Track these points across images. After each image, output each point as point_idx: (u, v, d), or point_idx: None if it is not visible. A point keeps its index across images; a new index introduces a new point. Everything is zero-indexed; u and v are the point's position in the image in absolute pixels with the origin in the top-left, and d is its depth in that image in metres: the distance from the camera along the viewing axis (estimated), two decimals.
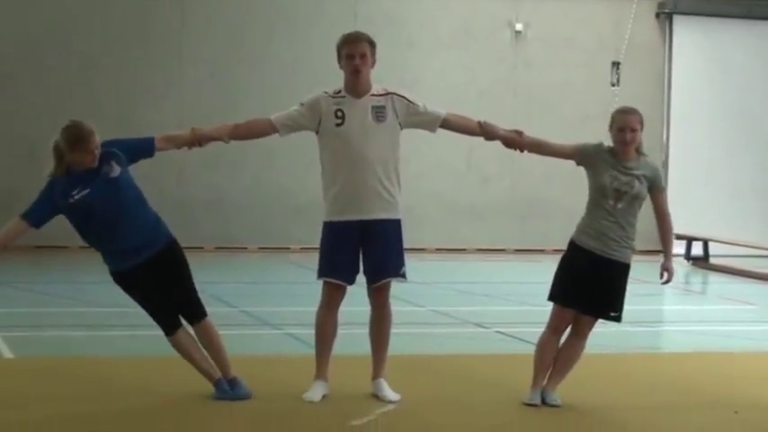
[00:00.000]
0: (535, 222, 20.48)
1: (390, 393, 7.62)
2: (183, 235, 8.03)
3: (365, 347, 7.82)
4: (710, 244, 19.17)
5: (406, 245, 7.66)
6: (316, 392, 7.56)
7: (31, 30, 18.90)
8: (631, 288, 7.77)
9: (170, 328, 7.46)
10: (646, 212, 7.63)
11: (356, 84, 7.53)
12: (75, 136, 7.10)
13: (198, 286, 7.59)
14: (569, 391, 7.68)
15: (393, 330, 7.78)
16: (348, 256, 7.54)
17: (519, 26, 20.82)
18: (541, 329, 7.70)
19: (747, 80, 21.45)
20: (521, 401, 7.59)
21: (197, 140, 7.52)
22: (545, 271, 7.75)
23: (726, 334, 11.85)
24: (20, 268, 15.50)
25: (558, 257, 7.72)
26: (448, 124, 7.71)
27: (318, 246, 7.71)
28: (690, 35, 21.37)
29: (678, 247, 19.02)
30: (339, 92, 7.58)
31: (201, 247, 18.44)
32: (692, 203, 20.71)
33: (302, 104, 7.62)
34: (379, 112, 7.52)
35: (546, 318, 7.67)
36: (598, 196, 7.47)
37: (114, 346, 10.09)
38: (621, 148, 7.48)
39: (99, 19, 19.20)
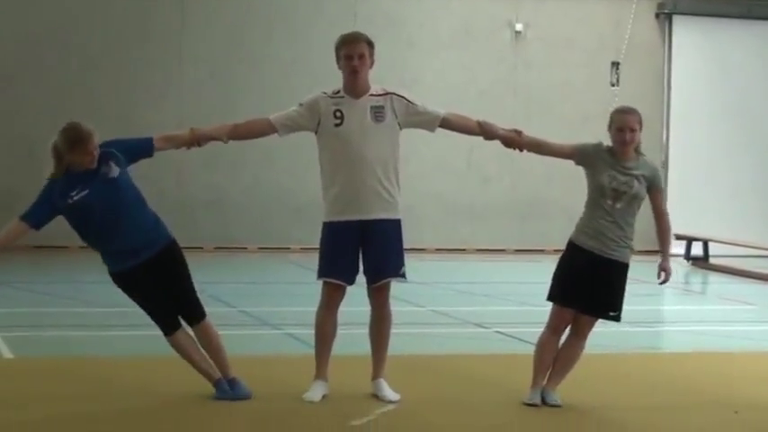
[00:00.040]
0: (535, 222, 20.48)
1: (390, 393, 7.62)
2: (182, 235, 8.03)
3: (365, 347, 7.82)
4: (710, 244, 19.17)
5: (405, 245, 7.66)
6: (315, 392, 7.56)
7: (31, 30, 18.91)
8: (631, 288, 7.77)
9: (169, 328, 7.46)
10: (645, 213, 7.63)
11: (355, 84, 7.53)
12: (74, 137, 7.10)
13: (197, 286, 7.60)
14: (569, 391, 7.68)
15: (393, 330, 7.78)
16: (348, 256, 7.54)
17: (519, 26, 20.83)
18: (541, 329, 7.70)
19: (747, 80, 21.45)
20: (521, 401, 7.59)
21: (196, 140, 7.52)
22: (545, 271, 7.75)
23: (725, 334, 11.85)
24: (20, 268, 15.51)
25: (558, 258, 7.72)
26: (447, 124, 7.71)
27: (318, 246, 7.71)
28: (689, 35, 21.38)
29: (678, 248, 19.05)
30: (338, 92, 7.58)
31: (201, 248, 18.45)
32: (691, 203, 20.72)
33: (301, 105, 7.63)
34: (377, 113, 7.53)
35: (546, 318, 7.67)
36: (597, 196, 7.47)
37: (114, 346, 10.09)
38: (620, 148, 7.48)
39: (99, 19, 19.20)
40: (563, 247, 7.69)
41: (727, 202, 21.18)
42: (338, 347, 7.78)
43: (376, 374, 7.71)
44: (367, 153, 7.46)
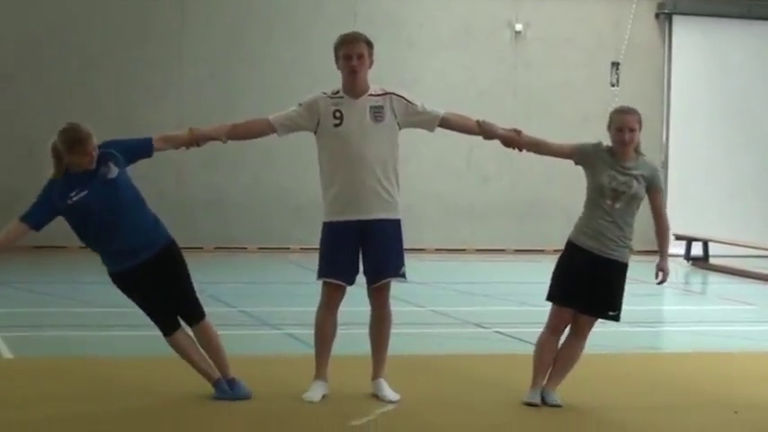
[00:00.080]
0: (535, 222, 20.48)
1: (390, 393, 7.62)
2: (182, 235, 8.03)
3: (365, 347, 7.82)
4: (710, 244, 19.17)
5: (405, 245, 7.66)
6: (315, 392, 7.56)
7: (31, 30, 18.91)
8: (631, 288, 7.77)
9: (168, 328, 7.46)
10: (645, 213, 7.63)
11: (354, 84, 7.53)
12: (73, 138, 7.10)
13: (197, 286, 7.60)
14: (569, 391, 7.68)
15: (393, 330, 7.78)
16: (348, 256, 7.54)
17: (519, 26, 20.83)
18: (541, 330, 7.70)
19: (747, 80, 21.45)
20: (521, 401, 7.59)
21: (195, 140, 7.53)
22: (544, 271, 7.75)
23: (725, 334, 11.85)
24: (20, 268, 15.50)
25: (558, 258, 7.72)
26: (446, 123, 7.71)
27: (318, 246, 7.71)
28: (689, 35, 21.38)
29: (678, 248, 19.06)
30: (337, 92, 7.58)
31: (201, 248, 18.44)
32: (691, 203, 20.73)
33: (300, 105, 7.63)
34: (377, 112, 7.53)
35: (545, 318, 7.67)
36: (596, 196, 7.47)
37: (114, 347, 10.09)
38: (620, 148, 7.48)
39: (99, 19, 19.20)
40: (563, 246, 7.69)
41: (726, 202, 21.18)
42: (338, 347, 7.78)
43: (376, 374, 7.71)
44: (366, 153, 7.46)
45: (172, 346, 7.52)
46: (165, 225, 7.49)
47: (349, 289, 7.66)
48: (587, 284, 7.46)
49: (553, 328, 7.62)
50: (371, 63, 7.60)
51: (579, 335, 7.63)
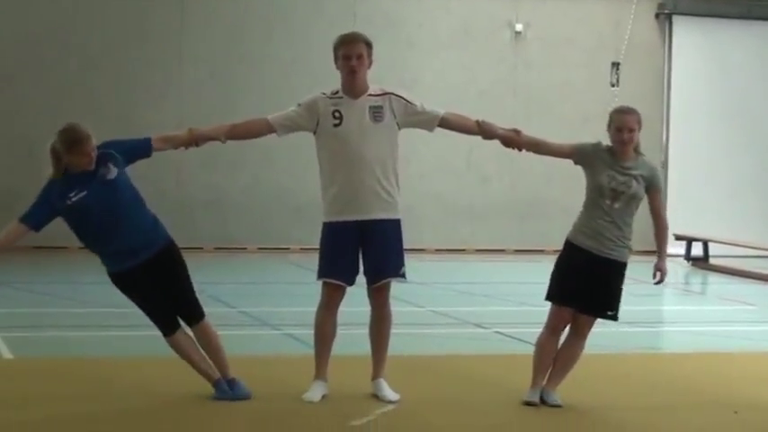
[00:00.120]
0: (535, 222, 20.47)
1: (390, 393, 7.62)
2: (181, 235, 8.03)
3: (365, 348, 7.81)
4: (710, 244, 19.16)
5: (405, 245, 7.66)
6: (315, 393, 7.56)
7: (31, 30, 18.90)
8: (631, 288, 7.77)
9: (168, 329, 7.46)
10: (646, 213, 7.62)
11: (353, 84, 7.52)
12: (72, 139, 7.10)
13: (197, 287, 7.60)
14: (569, 391, 7.68)
15: (393, 331, 7.77)
16: (348, 256, 7.54)
17: (519, 26, 20.82)
18: (541, 330, 7.70)
19: (747, 80, 21.44)
20: (520, 401, 7.58)
21: (194, 141, 7.53)
22: (545, 271, 7.74)
23: (725, 334, 11.85)
24: (19, 269, 15.50)
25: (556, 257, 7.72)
26: (446, 123, 7.70)
27: (318, 246, 7.71)
28: (689, 35, 21.38)
29: (678, 248, 19.06)
30: (336, 92, 7.58)
31: (200, 248, 18.44)
32: (691, 204, 20.73)
33: (300, 105, 7.62)
34: (376, 113, 7.52)
35: (545, 318, 7.67)
36: (595, 195, 7.47)
37: (113, 347, 10.09)
38: (619, 148, 7.48)
39: (98, 19, 19.20)
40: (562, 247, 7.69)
41: (726, 202, 21.18)
42: (338, 348, 7.77)
43: (376, 374, 7.71)
44: (366, 153, 7.46)
45: (171, 346, 7.52)
46: (165, 225, 7.48)
47: (349, 289, 7.65)
48: (586, 284, 7.46)
49: (552, 327, 7.62)
50: (371, 63, 7.59)
51: (579, 335, 7.63)
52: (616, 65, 21.02)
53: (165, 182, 18.47)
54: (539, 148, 7.77)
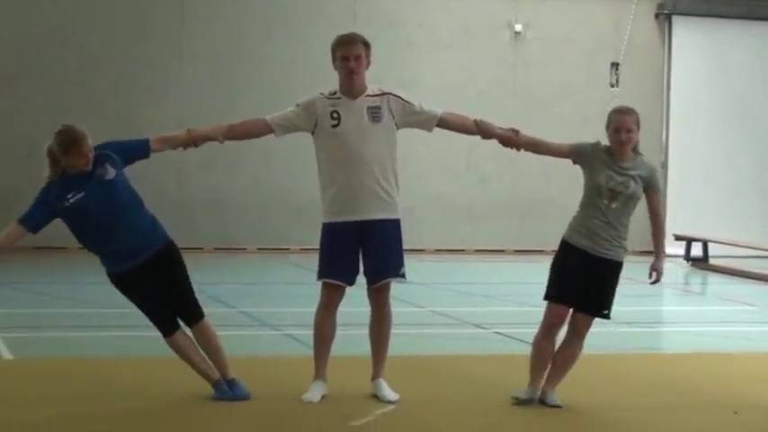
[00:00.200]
0: (534, 222, 20.46)
1: (390, 393, 7.62)
2: (181, 236, 8.03)
3: (365, 348, 7.82)
4: (710, 244, 19.16)
5: (405, 246, 7.66)
6: (315, 393, 7.56)
7: (30, 30, 18.91)
8: (631, 289, 7.78)
9: (168, 329, 7.46)
10: (646, 213, 7.62)
11: (351, 85, 7.53)
12: (68, 140, 7.10)
13: (196, 287, 7.60)
14: (568, 391, 7.68)
15: (393, 331, 7.77)
16: (347, 256, 7.54)
17: (518, 26, 20.83)
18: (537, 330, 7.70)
19: (746, 80, 21.45)
20: (518, 399, 7.58)
21: (193, 141, 7.53)
22: (544, 271, 7.74)
23: (725, 335, 11.85)
24: (19, 269, 15.50)
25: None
26: (444, 123, 7.70)
27: (318, 246, 7.71)
28: (689, 36, 21.38)
29: (678, 248, 19.06)
30: (334, 93, 7.58)
31: (200, 248, 18.45)
32: (691, 204, 20.73)
33: (298, 105, 7.63)
34: (374, 113, 7.53)
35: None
36: (593, 195, 7.47)
37: (113, 347, 10.09)
38: (617, 148, 7.48)
39: (98, 19, 19.20)
40: None
41: (726, 202, 21.18)
42: (338, 348, 7.77)
43: (376, 375, 7.71)
44: (365, 153, 7.46)
45: (171, 346, 7.52)
46: (165, 226, 7.48)
47: (349, 289, 7.65)
48: (581, 283, 7.46)
49: (548, 326, 7.61)
50: (369, 64, 7.60)
51: (577, 335, 7.63)
52: (615, 65, 21.03)
53: (164, 182, 18.47)
54: (537, 147, 7.77)
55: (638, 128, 7.51)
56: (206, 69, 19.64)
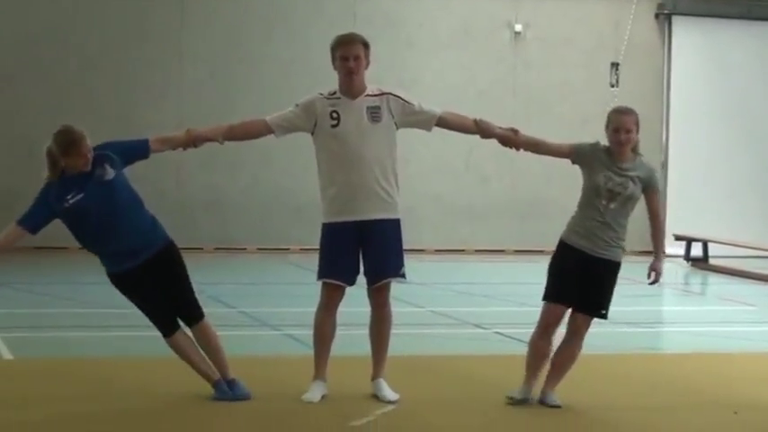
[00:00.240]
0: (534, 223, 20.45)
1: (390, 393, 7.62)
2: (181, 236, 8.03)
3: (365, 348, 7.82)
4: (709, 245, 19.16)
5: (405, 246, 7.66)
6: (314, 393, 7.56)
7: (30, 30, 18.91)
8: (631, 289, 7.78)
9: (168, 329, 7.46)
10: (646, 214, 7.62)
11: (350, 85, 7.53)
12: (67, 140, 7.10)
13: (196, 287, 7.60)
14: (568, 391, 7.68)
15: (393, 331, 7.77)
16: (347, 256, 7.54)
17: (518, 26, 20.82)
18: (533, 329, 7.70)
19: (746, 81, 21.44)
20: (512, 398, 7.58)
21: (192, 141, 7.53)
22: (544, 272, 7.74)
23: (725, 335, 11.85)
24: (19, 269, 15.50)
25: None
26: (444, 123, 7.71)
27: (318, 246, 7.71)
28: (689, 36, 21.38)
29: (677, 248, 19.06)
30: (334, 93, 7.58)
31: (200, 248, 18.45)
32: (691, 204, 20.73)
33: (297, 106, 7.63)
34: (374, 113, 7.53)
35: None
36: (591, 195, 7.46)
37: (113, 347, 10.09)
38: (616, 149, 7.47)
39: (98, 19, 19.20)
40: None
41: (726, 202, 21.18)
42: (338, 348, 7.78)
43: (376, 375, 7.71)
44: (365, 153, 7.46)
45: (171, 347, 7.52)
46: (165, 226, 7.49)
47: (349, 290, 7.65)
48: (579, 283, 7.46)
49: (545, 326, 7.60)
50: (368, 64, 7.60)
51: (576, 335, 7.62)
52: (615, 65, 21.02)
53: (164, 182, 18.47)
54: (537, 147, 7.78)
55: (638, 128, 7.50)
56: (206, 69, 19.64)
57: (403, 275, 7.65)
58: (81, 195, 7.12)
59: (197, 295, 7.58)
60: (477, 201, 20.64)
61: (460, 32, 20.64)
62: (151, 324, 7.54)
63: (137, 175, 7.47)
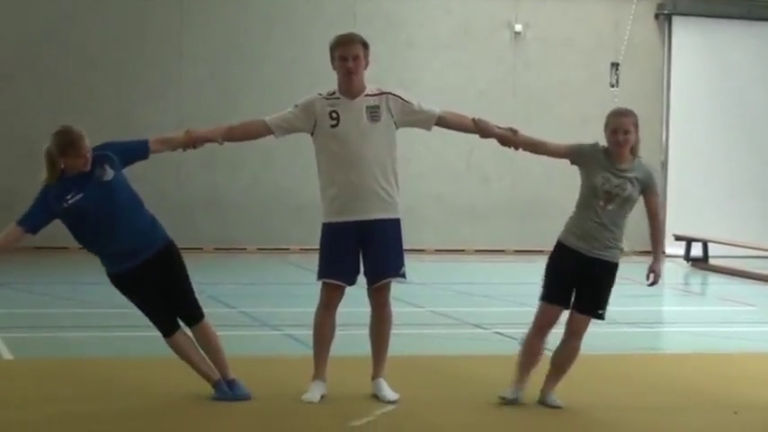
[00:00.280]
0: (535, 223, 20.44)
1: (390, 393, 7.62)
2: (181, 236, 8.02)
3: (365, 348, 7.82)
4: (709, 245, 19.16)
5: (405, 246, 7.66)
6: (314, 393, 7.56)
7: (30, 30, 18.91)
8: (631, 289, 7.78)
9: (168, 329, 7.46)
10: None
11: (350, 85, 7.53)
12: (66, 140, 7.10)
13: (196, 287, 7.60)
14: (568, 391, 7.68)
15: (393, 331, 7.77)
16: (348, 256, 7.54)
17: (518, 26, 20.82)
18: (528, 329, 7.70)
19: (746, 81, 21.44)
20: (504, 398, 7.57)
21: (191, 142, 7.53)
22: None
23: (725, 335, 11.84)
24: (19, 269, 15.50)
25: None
26: (443, 122, 7.71)
27: (318, 246, 7.71)
28: (689, 36, 21.37)
29: (677, 248, 19.06)
30: (333, 93, 7.58)
31: (200, 248, 18.44)
32: (690, 204, 20.73)
33: (296, 106, 7.63)
34: (373, 113, 7.53)
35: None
36: (589, 196, 7.46)
37: (113, 347, 10.09)
38: (615, 150, 7.47)
39: (97, 18, 19.20)
40: None
41: (726, 202, 21.17)
42: (338, 348, 7.78)
43: (376, 374, 7.71)
44: (365, 153, 7.46)
45: (171, 347, 7.52)
46: (165, 226, 7.49)
47: (349, 289, 7.66)
48: (577, 284, 7.46)
49: (539, 326, 7.60)
50: (367, 64, 7.60)
51: (574, 335, 7.62)
52: (615, 65, 21.02)
53: (164, 182, 18.47)
54: (535, 147, 7.78)
55: (637, 129, 7.49)
56: (206, 69, 19.64)
57: (403, 275, 7.65)
58: (80, 195, 7.12)
59: (197, 295, 7.58)
60: (478, 201, 20.64)
61: (460, 33, 20.64)
62: (151, 324, 7.54)
63: (137, 175, 7.46)
